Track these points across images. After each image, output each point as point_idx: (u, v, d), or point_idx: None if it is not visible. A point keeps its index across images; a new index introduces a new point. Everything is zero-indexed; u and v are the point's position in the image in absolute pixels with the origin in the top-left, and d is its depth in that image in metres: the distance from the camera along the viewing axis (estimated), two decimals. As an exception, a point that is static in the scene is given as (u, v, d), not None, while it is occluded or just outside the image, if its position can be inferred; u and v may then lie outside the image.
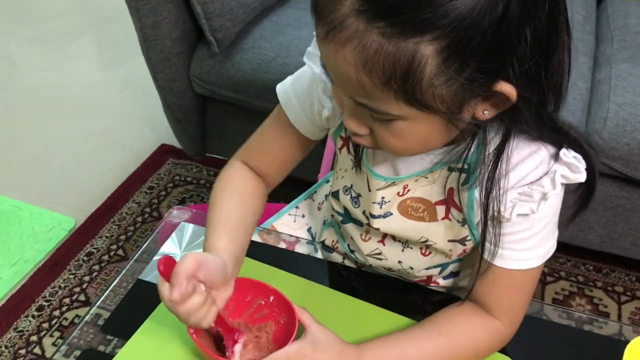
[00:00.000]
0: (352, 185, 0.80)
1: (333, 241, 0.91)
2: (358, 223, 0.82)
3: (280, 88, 0.80)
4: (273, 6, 1.63)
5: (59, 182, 2.03)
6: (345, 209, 0.83)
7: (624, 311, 1.57)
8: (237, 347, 0.69)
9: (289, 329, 0.69)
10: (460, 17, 0.50)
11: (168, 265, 0.64)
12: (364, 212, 0.79)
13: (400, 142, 0.62)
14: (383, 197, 0.75)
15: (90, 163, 2.09)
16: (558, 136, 0.65)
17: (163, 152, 2.09)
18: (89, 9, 2.90)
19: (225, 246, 0.72)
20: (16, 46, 2.75)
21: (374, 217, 0.77)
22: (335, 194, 0.83)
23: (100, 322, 0.80)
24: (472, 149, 0.65)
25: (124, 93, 2.41)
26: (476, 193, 0.68)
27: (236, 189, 0.81)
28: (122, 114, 2.30)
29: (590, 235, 1.53)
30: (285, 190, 1.92)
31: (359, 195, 0.79)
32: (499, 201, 0.65)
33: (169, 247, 0.89)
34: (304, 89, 0.78)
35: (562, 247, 1.62)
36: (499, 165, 0.64)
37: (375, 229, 0.78)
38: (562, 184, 0.65)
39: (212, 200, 0.80)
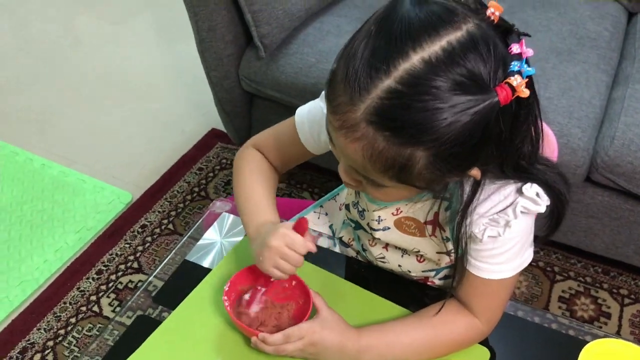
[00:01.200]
0: (358, 201, 0.92)
1: (349, 239, 1.03)
2: (366, 230, 0.94)
3: (298, 112, 0.91)
4: (318, 12, 1.71)
5: (119, 159, 2.14)
6: (355, 219, 0.96)
7: (626, 313, 1.61)
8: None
9: (305, 309, 0.81)
10: (451, 138, 0.61)
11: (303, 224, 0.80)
12: (367, 224, 0.91)
13: (384, 197, 0.75)
14: (379, 216, 0.87)
15: (148, 142, 2.20)
16: (524, 178, 0.75)
17: (213, 136, 2.19)
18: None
19: (277, 219, 0.87)
20: (82, 24, 2.85)
21: (374, 230, 0.89)
22: (347, 207, 0.96)
23: (151, 288, 0.94)
24: (450, 185, 0.77)
25: (179, 77, 2.50)
26: (456, 217, 0.79)
27: (263, 173, 0.93)
28: (177, 98, 2.41)
29: (596, 241, 1.59)
30: (321, 180, 2.06)
31: (364, 210, 0.91)
32: (473, 226, 0.76)
33: (211, 233, 1.01)
34: (315, 120, 0.89)
35: (573, 250, 1.70)
36: (473, 200, 0.74)
37: (376, 238, 0.91)
38: (522, 212, 0.75)
39: (244, 181, 0.92)
